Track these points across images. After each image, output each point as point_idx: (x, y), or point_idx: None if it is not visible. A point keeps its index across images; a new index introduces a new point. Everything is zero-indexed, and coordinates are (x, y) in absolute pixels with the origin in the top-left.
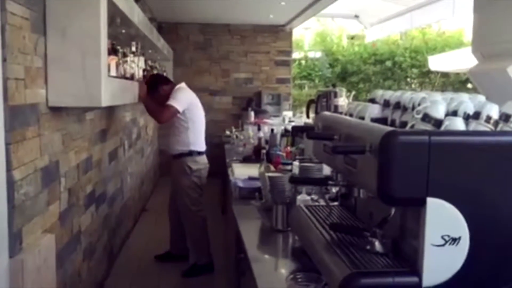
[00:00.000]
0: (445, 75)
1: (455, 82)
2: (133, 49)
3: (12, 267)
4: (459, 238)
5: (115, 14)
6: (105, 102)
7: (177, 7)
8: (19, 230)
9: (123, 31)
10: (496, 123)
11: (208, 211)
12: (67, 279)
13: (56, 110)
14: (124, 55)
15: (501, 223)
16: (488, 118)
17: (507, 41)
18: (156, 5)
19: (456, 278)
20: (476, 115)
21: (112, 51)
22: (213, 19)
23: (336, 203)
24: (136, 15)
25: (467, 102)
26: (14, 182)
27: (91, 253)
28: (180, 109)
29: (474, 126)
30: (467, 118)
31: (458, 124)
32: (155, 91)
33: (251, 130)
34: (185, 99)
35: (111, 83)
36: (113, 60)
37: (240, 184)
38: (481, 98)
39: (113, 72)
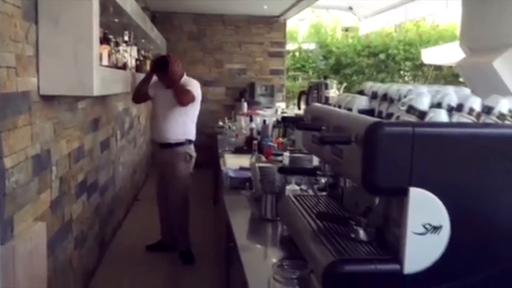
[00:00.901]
0: (438, 68)
1: (448, 75)
2: (126, 38)
3: (3, 253)
4: (440, 226)
5: (107, 2)
6: (97, 91)
7: None
8: (10, 217)
9: (116, 20)
10: (478, 115)
11: (200, 202)
12: (58, 266)
13: (47, 99)
14: (117, 44)
15: (481, 212)
16: (471, 110)
17: (494, 36)
18: None
19: (436, 266)
20: (459, 107)
21: (104, 40)
22: (207, 10)
23: (324, 193)
24: (129, 4)
25: (451, 94)
26: (5, 170)
27: (83, 242)
28: (196, 99)
29: (457, 118)
30: (450, 110)
31: (442, 116)
32: (163, 71)
33: (243, 121)
34: (198, 91)
35: (103, 72)
36: (105, 49)
37: (231, 174)
38: (466, 91)
39: (105, 62)
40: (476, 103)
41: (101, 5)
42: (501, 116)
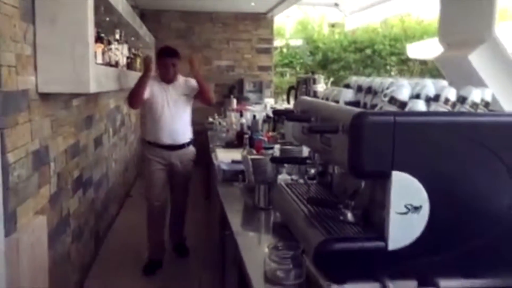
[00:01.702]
0: (423, 62)
1: (433, 69)
2: (117, 36)
3: (8, 245)
4: (420, 206)
5: (99, 2)
6: (93, 88)
7: None
8: (13, 211)
9: (107, 18)
10: (453, 105)
11: (193, 198)
12: (57, 259)
13: (45, 96)
14: (109, 42)
15: (456, 193)
16: (446, 100)
17: (469, 31)
18: None
19: (417, 242)
20: (436, 98)
21: (98, 38)
22: (195, 7)
23: (314, 181)
24: (120, 3)
25: (429, 86)
26: (9, 165)
27: (79, 236)
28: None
29: (434, 107)
30: (428, 100)
31: (420, 105)
32: (177, 57)
33: (233, 117)
34: None
35: (99, 70)
36: (99, 47)
37: (224, 167)
38: (443, 82)
39: (99, 60)
40: (451, 94)
41: (94, 4)
42: (474, 105)
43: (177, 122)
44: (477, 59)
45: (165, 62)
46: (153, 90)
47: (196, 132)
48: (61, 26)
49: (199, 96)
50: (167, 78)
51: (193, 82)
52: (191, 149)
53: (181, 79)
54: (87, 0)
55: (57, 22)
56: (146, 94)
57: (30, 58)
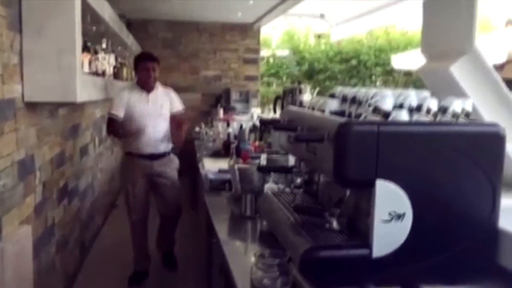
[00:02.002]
0: (408, 73)
1: (417, 80)
2: (104, 46)
3: None
4: (404, 214)
5: (86, 11)
6: (80, 98)
7: (146, 5)
8: None
9: (94, 28)
10: (435, 115)
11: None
12: (42, 269)
13: (31, 106)
14: (96, 52)
15: (439, 201)
16: (428, 110)
17: (451, 43)
18: (126, 2)
19: (401, 249)
20: (419, 108)
21: (85, 48)
22: (182, 17)
23: (300, 190)
24: (107, 12)
25: (412, 96)
26: None
27: (64, 246)
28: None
29: (416, 117)
30: (411, 110)
31: (403, 115)
32: (156, 61)
33: (220, 126)
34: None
35: (85, 79)
36: (86, 57)
37: (211, 176)
38: (425, 93)
39: (86, 69)
40: (433, 104)
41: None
42: (455, 115)
43: (158, 131)
44: (458, 70)
45: (146, 66)
46: (132, 100)
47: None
48: (48, 35)
49: (172, 125)
50: (147, 82)
51: (172, 93)
52: (173, 157)
53: (160, 88)
54: (74, 9)
55: (44, 31)
56: (127, 104)
57: (17, 67)
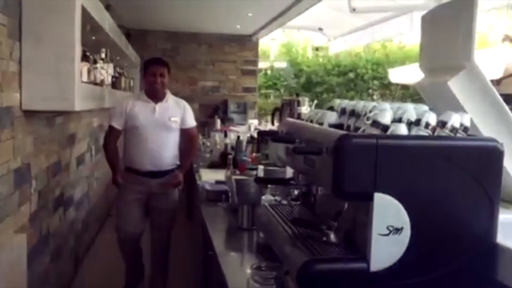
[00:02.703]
0: (405, 87)
1: (414, 94)
2: (103, 55)
3: None
4: (402, 228)
5: (85, 21)
6: (78, 106)
7: (145, 15)
8: None
9: (93, 37)
10: (433, 129)
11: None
12: (35, 279)
13: (28, 114)
14: (94, 61)
15: (437, 215)
16: (427, 125)
17: (449, 58)
18: (125, 13)
19: (399, 263)
20: (417, 122)
21: (84, 57)
22: (181, 28)
23: (297, 203)
24: (107, 22)
25: (410, 110)
26: None
27: (58, 256)
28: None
29: (415, 131)
30: (410, 124)
31: (402, 129)
32: (166, 67)
33: (218, 137)
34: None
35: (84, 88)
36: (85, 66)
37: (208, 187)
38: (424, 107)
39: (84, 78)
40: (431, 118)
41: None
42: (454, 129)
43: (163, 147)
44: (456, 85)
45: (153, 71)
46: (136, 109)
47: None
48: (47, 44)
49: (182, 141)
50: (154, 89)
51: (186, 107)
52: (178, 174)
53: (171, 99)
54: (73, 18)
55: (43, 40)
56: (127, 114)
57: (16, 75)
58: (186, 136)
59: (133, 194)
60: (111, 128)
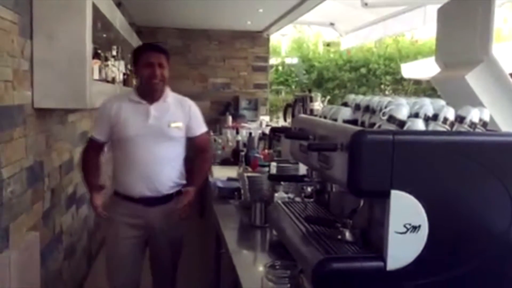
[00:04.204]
0: (417, 82)
1: (427, 89)
2: (114, 53)
3: (0, 262)
4: (419, 226)
5: (96, 18)
6: (90, 104)
7: (156, 12)
8: (6, 227)
9: (104, 35)
10: (452, 124)
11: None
12: (49, 277)
13: (40, 112)
14: (106, 59)
15: (455, 212)
16: (445, 120)
17: (466, 51)
18: (136, 10)
19: (416, 262)
20: (435, 117)
21: (95, 55)
22: (192, 25)
23: (311, 200)
24: (118, 19)
25: (428, 105)
26: (3, 180)
27: (72, 253)
28: None
29: (432, 126)
30: (427, 119)
31: (419, 124)
32: (165, 54)
33: (229, 134)
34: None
35: (95, 86)
36: (96, 63)
37: (220, 184)
38: (441, 102)
39: (96, 76)
40: (450, 113)
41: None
42: (472, 124)
43: (161, 164)
44: (474, 79)
45: (149, 60)
46: (123, 113)
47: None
48: (58, 42)
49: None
50: (151, 85)
51: (193, 107)
52: (179, 200)
53: (171, 96)
54: (85, 16)
55: (54, 38)
56: (113, 120)
57: (27, 73)
58: (195, 146)
59: (125, 229)
60: (90, 140)
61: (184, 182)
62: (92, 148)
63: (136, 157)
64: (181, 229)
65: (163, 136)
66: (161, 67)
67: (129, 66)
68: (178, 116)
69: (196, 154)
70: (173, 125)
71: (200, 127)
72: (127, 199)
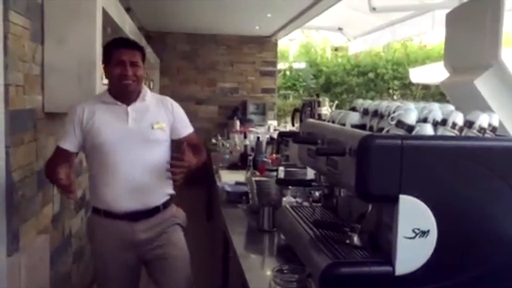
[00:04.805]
0: (426, 87)
1: (436, 94)
2: None
3: (10, 265)
4: (428, 231)
5: (106, 23)
6: None
7: (165, 17)
8: (16, 229)
9: None
10: (461, 129)
11: (194, 218)
12: (58, 280)
13: (50, 116)
14: None
15: (465, 218)
16: (454, 125)
17: (475, 56)
18: (145, 15)
19: (425, 267)
20: (444, 122)
21: None
22: (200, 30)
23: (319, 204)
24: (127, 24)
25: (436, 110)
26: (13, 183)
27: (80, 257)
28: None
29: (441, 131)
30: (435, 124)
31: (428, 129)
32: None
33: (237, 138)
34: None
35: None
36: None
37: (228, 188)
38: (450, 107)
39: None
40: (458, 118)
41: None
42: (481, 129)
43: (146, 171)
44: (483, 84)
45: (120, 58)
46: (97, 117)
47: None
48: (69, 46)
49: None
50: (123, 89)
51: (175, 106)
52: (174, 211)
53: (148, 95)
54: (95, 21)
55: (65, 42)
56: (85, 126)
57: (38, 77)
58: (184, 146)
59: (114, 254)
60: (57, 150)
61: (172, 192)
62: (59, 160)
63: (117, 166)
64: (179, 243)
65: (146, 140)
66: (134, 66)
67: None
68: (160, 116)
69: (185, 152)
70: (156, 126)
71: (187, 127)
72: (109, 216)
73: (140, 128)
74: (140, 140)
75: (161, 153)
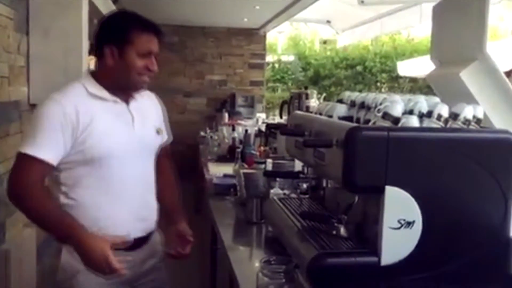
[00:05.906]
0: (413, 80)
1: (423, 87)
2: None
3: None
4: (413, 221)
5: (92, 14)
6: None
7: (152, 9)
8: (2, 222)
9: None
10: (446, 121)
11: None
12: (45, 273)
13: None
14: None
15: (449, 209)
16: (439, 117)
17: (461, 49)
18: (132, 6)
19: (410, 257)
20: (429, 114)
21: (91, 51)
22: (188, 21)
23: (306, 196)
24: None
25: (422, 102)
26: None
27: None
28: None
29: (427, 123)
30: (421, 116)
31: (413, 121)
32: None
33: (225, 131)
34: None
35: None
36: (92, 60)
37: (216, 181)
38: (436, 99)
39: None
40: (444, 110)
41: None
42: (466, 121)
43: (149, 188)
44: (468, 76)
45: (150, 48)
46: (99, 123)
47: (186, 146)
48: (54, 37)
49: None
50: (138, 87)
51: (159, 101)
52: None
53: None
54: (81, 12)
55: (50, 33)
56: (80, 131)
57: (23, 69)
58: (162, 157)
59: None
60: (30, 161)
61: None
62: (36, 175)
63: (121, 183)
64: (161, 272)
65: (149, 148)
66: (156, 59)
67: None
68: (158, 117)
69: (160, 166)
70: (159, 130)
71: (169, 134)
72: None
73: (145, 134)
74: (143, 148)
75: (152, 165)
